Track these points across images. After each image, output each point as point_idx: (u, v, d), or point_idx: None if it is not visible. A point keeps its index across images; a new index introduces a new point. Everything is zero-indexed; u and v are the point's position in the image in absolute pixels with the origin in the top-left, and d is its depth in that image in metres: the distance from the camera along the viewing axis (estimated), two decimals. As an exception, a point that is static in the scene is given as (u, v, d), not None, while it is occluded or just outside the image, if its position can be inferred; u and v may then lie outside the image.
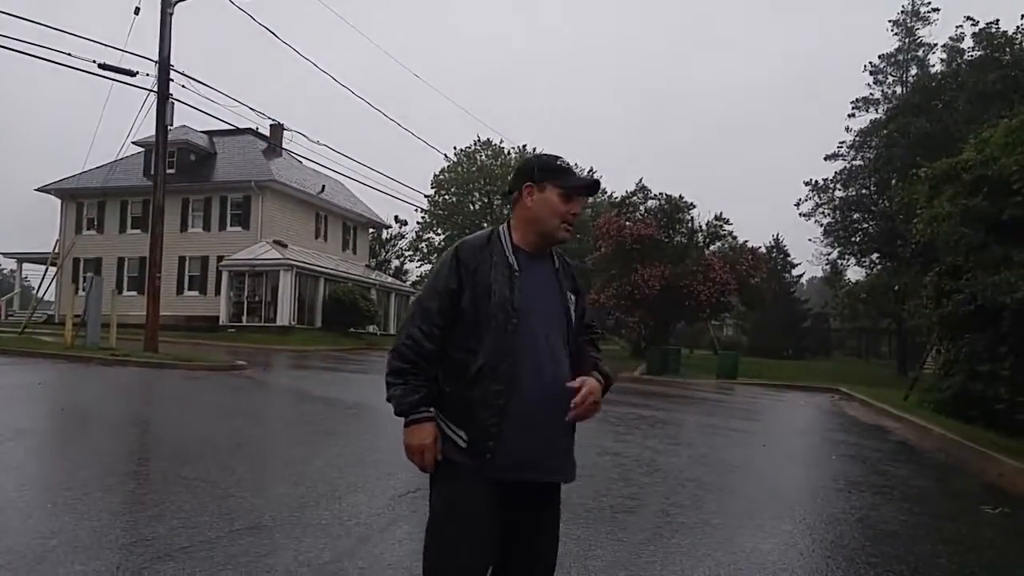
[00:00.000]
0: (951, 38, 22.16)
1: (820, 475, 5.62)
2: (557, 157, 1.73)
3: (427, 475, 1.65)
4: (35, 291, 23.09)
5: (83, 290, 15.91)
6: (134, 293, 22.21)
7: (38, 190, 25.93)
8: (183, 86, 13.39)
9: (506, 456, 1.55)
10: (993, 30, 20.75)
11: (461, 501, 1.57)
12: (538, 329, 1.61)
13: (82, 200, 25.53)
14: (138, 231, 23.67)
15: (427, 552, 1.62)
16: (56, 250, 21.91)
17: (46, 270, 18.67)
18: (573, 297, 1.72)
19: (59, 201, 25.89)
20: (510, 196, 1.73)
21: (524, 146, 41.94)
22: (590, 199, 46.10)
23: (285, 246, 23.36)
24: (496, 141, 39.99)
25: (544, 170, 1.69)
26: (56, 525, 3.05)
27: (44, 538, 2.88)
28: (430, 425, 1.58)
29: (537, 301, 1.63)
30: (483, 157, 39.95)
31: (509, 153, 40.86)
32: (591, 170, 44.26)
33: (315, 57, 32.34)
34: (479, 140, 40.16)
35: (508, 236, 1.69)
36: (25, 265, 28.83)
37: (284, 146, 24.60)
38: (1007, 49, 20.09)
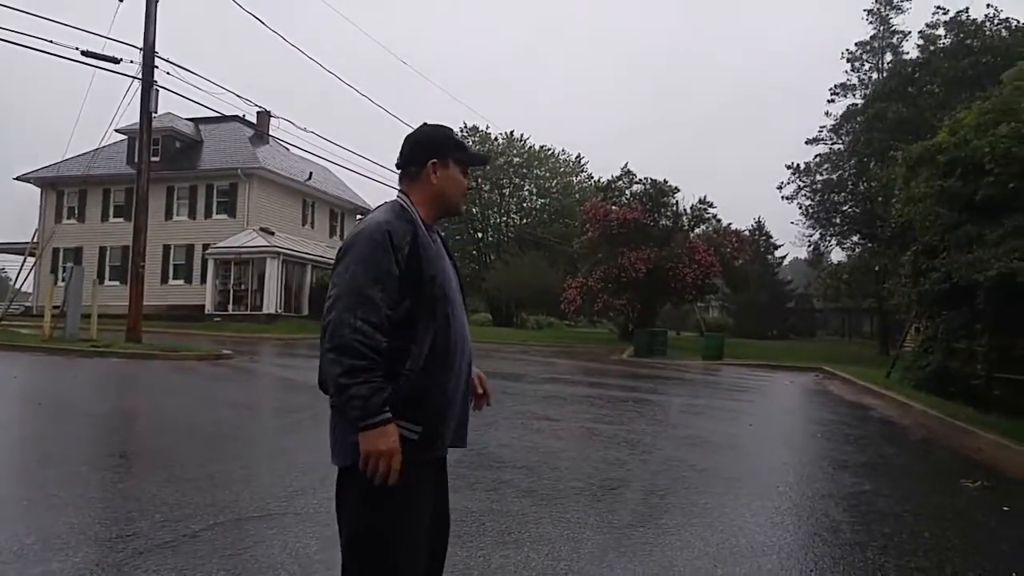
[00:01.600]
0: (928, 24, 22.42)
1: (805, 453, 5.71)
2: (451, 130, 1.70)
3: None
4: (12, 282, 22.50)
5: (63, 280, 15.54)
6: (116, 282, 21.80)
7: (17, 179, 25.19)
8: (168, 73, 12.99)
9: (449, 435, 1.58)
10: (963, 18, 21.02)
11: (408, 491, 1.49)
12: (458, 306, 1.63)
13: (63, 189, 24.86)
14: (120, 219, 23.14)
15: (370, 552, 1.47)
16: (35, 240, 21.36)
17: (24, 260, 18.20)
18: (453, 265, 1.73)
19: (39, 190, 25.19)
20: (408, 171, 1.66)
21: (511, 132, 41.67)
22: (575, 183, 45.89)
23: (272, 233, 23.01)
24: (483, 127, 39.65)
25: (445, 146, 1.66)
26: (34, 522, 2.98)
27: (20, 535, 2.81)
28: (394, 427, 1.46)
29: (450, 279, 1.63)
30: (470, 144, 39.72)
31: (496, 139, 40.52)
32: (579, 157, 44.25)
33: (304, 42, 31.49)
34: (466, 127, 39.80)
35: (416, 211, 1.61)
36: (2, 256, 28.09)
37: (271, 133, 24.08)
38: (976, 36, 20.36)
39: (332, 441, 1.56)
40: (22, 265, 17.95)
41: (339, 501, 1.58)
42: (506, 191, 41.71)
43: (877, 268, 21.78)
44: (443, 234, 1.74)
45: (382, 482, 1.44)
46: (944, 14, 21.49)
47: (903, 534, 3.34)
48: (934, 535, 3.35)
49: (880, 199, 21.16)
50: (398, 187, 1.70)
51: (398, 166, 1.69)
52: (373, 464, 1.43)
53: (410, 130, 1.74)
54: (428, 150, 1.64)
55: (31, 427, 5.61)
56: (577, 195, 39.40)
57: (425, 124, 1.73)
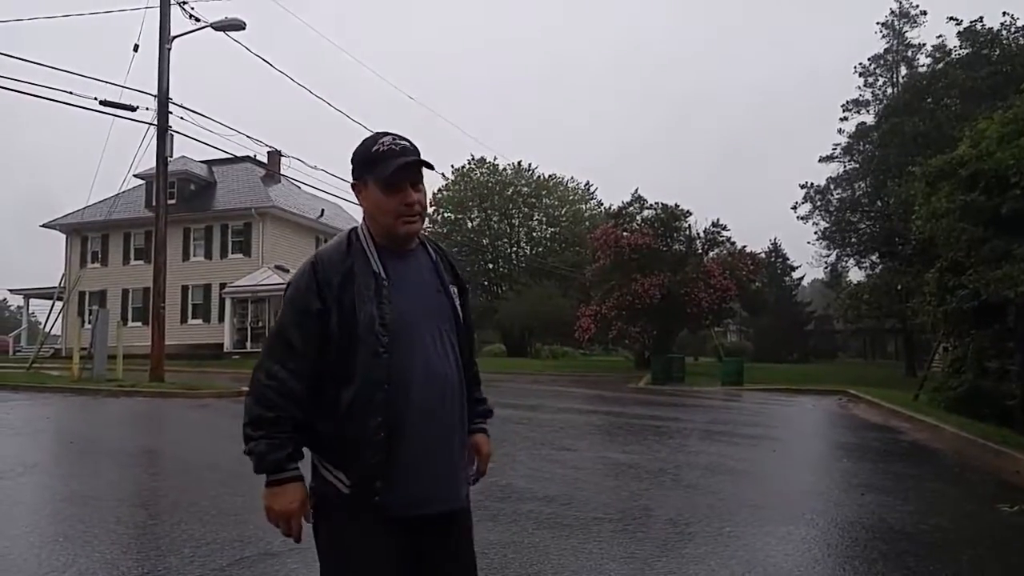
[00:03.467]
0: (935, 45, 22.48)
1: (831, 478, 5.57)
2: (376, 139, 1.43)
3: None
4: (42, 326, 23.16)
5: (89, 323, 15.99)
6: (139, 324, 22.28)
7: (43, 226, 26.22)
8: (181, 118, 13.56)
9: (398, 493, 1.33)
10: (978, 28, 21.03)
11: (355, 553, 1.34)
12: (418, 341, 1.38)
13: (86, 234, 25.79)
14: (141, 262, 23.84)
15: None
16: (62, 284, 22.05)
17: (52, 304, 18.79)
18: (456, 291, 1.49)
19: (64, 236, 26.16)
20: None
21: (519, 162, 42.41)
22: (585, 210, 45.94)
23: (287, 271, 23.47)
24: (490, 158, 40.46)
25: (360, 165, 1.42)
26: (68, 558, 3.05)
27: (57, 571, 2.88)
28: (296, 486, 1.33)
29: (415, 307, 1.40)
30: (478, 175, 40.46)
31: (505, 170, 41.23)
32: (588, 184, 44.76)
33: (311, 78, 32.81)
34: (473, 158, 40.64)
35: (369, 237, 1.42)
36: (32, 300, 28.99)
37: (282, 172, 24.87)
38: (993, 45, 20.32)
39: None
40: (51, 309, 18.55)
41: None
42: (515, 221, 42.14)
43: (899, 287, 21.40)
44: (438, 250, 1.53)
45: (315, 530, 1.37)
46: (957, 24, 21.32)
47: (938, 562, 3.24)
48: (972, 562, 3.25)
49: (896, 217, 20.96)
50: None
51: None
52: (273, 522, 1.36)
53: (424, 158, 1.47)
54: (355, 169, 1.44)
55: (64, 466, 5.74)
56: (587, 222, 39.64)
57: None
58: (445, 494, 1.41)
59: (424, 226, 1.50)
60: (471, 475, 1.54)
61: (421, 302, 1.42)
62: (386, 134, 1.44)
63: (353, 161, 1.45)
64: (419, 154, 1.43)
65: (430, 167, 1.45)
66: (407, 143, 1.44)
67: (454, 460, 1.43)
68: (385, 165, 1.39)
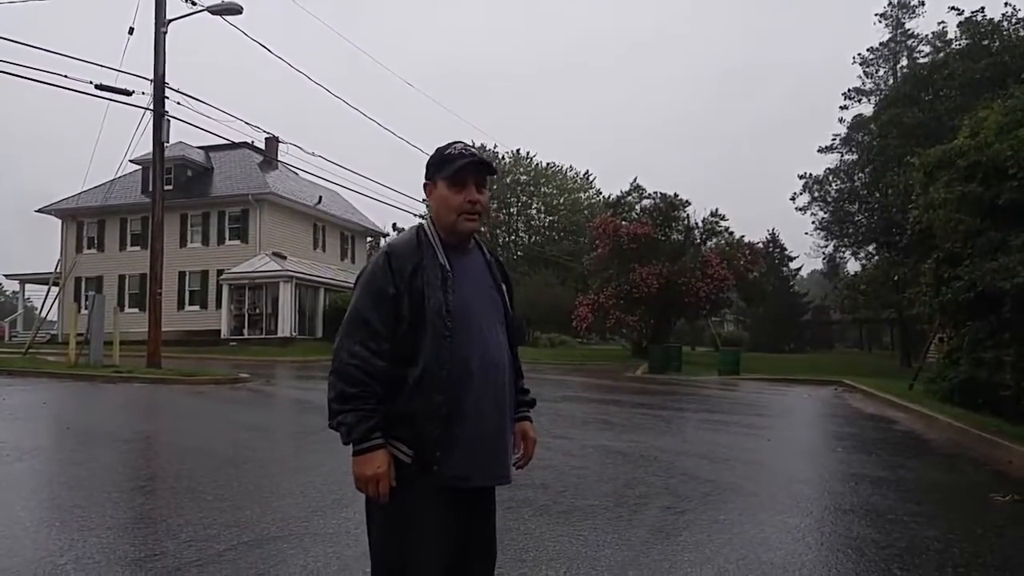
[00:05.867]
0: (935, 33, 22.32)
1: (826, 468, 5.62)
2: (449, 145, 1.65)
3: None
4: (38, 311, 23.10)
5: (85, 309, 15.94)
6: (136, 310, 22.24)
7: (39, 211, 26.02)
8: (178, 103, 13.38)
9: (453, 465, 1.49)
10: (978, 18, 20.88)
11: (411, 516, 1.48)
12: (476, 330, 1.54)
13: (82, 219, 25.61)
14: (138, 248, 23.73)
15: (377, 571, 1.53)
16: (58, 270, 21.95)
17: (48, 290, 18.71)
18: (505, 289, 1.69)
19: (59, 221, 25.98)
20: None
21: (518, 150, 42.18)
22: (584, 199, 45.95)
23: (284, 257, 23.40)
24: (490, 146, 40.17)
25: (433, 165, 1.64)
26: (65, 542, 3.06)
27: (54, 556, 2.89)
28: (383, 453, 1.47)
29: (474, 299, 1.57)
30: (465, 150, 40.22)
31: (503, 158, 40.98)
32: (587, 173, 44.51)
33: (312, 65, 32.48)
34: (472, 145, 40.37)
35: (436, 234, 1.61)
36: (28, 286, 28.87)
37: (279, 158, 24.68)
38: (994, 36, 20.17)
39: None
40: (47, 295, 18.45)
41: (367, 528, 1.61)
42: (513, 210, 42.02)
43: (896, 277, 21.46)
44: (490, 253, 1.72)
45: (379, 503, 1.48)
46: (958, 15, 21.21)
47: (930, 550, 3.27)
48: (963, 551, 3.28)
49: (894, 208, 20.95)
50: None
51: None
52: (361, 487, 1.48)
53: (421, 152, 1.81)
54: (427, 172, 1.66)
55: (61, 451, 5.75)
56: (586, 211, 39.55)
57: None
58: (496, 469, 1.57)
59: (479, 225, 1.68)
60: (517, 460, 1.70)
61: (478, 295, 1.59)
62: (457, 142, 1.65)
63: (427, 165, 1.66)
64: (485, 160, 1.65)
65: (493, 172, 1.69)
66: (475, 150, 1.66)
67: (504, 438, 1.60)
68: (452, 164, 1.60)
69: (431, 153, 1.68)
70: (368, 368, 1.46)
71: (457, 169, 1.58)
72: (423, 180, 1.67)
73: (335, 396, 1.48)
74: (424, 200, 1.93)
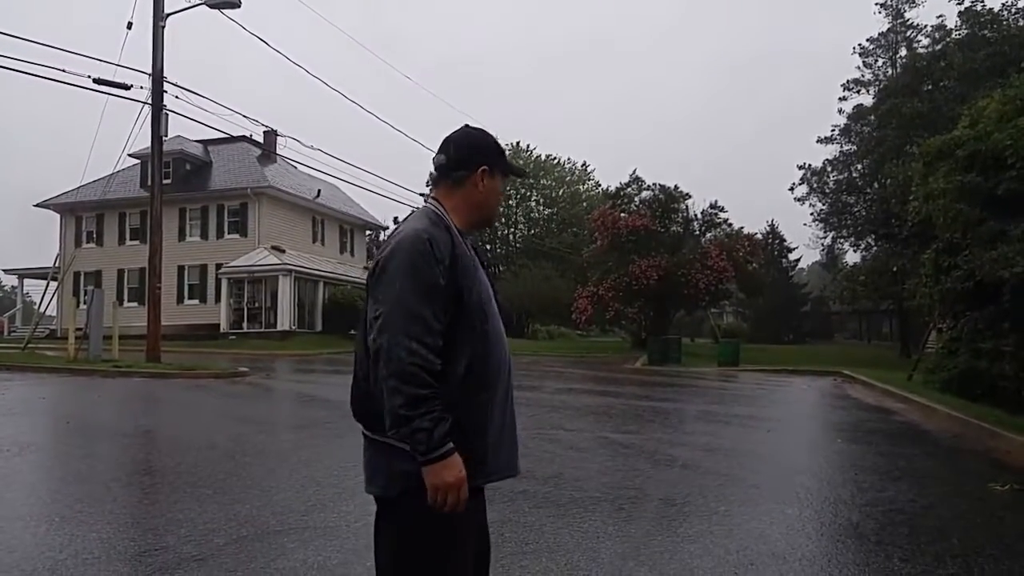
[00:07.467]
0: (935, 24, 22.20)
1: (826, 459, 5.63)
2: (491, 135, 1.58)
3: None
4: (37, 306, 23.05)
5: (84, 303, 15.91)
6: (135, 304, 22.21)
7: (37, 206, 25.92)
8: (176, 97, 13.30)
9: (495, 460, 1.44)
10: (978, 8, 20.77)
11: (457, 528, 1.39)
12: (495, 320, 1.49)
13: (81, 214, 25.52)
14: (136, 242, 23.66)
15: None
16: (56, 264, 21.87)
17: (47, 285, 18.66)
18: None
19: (58, 216, 25.89)
20: (453, 175, 1.51)
21: (517, 143, 41.96)
22: (583, 191, 45.91)
23: (283, 251, 23.34)
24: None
25: (495, 153, 1.54)
26: (65, 538, 3.06)
27: (53, 551, 2.88)
28: (459, 456, 1.35)
29: (488, 291, 1.50)
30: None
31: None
32: (585, 165, 44.40)
33: (310, 59, 32.26)
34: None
35: (453, 222, 1.48)
36: (26, 281, 28.81)
37: (278, 152, 24.55)
38: (993, 26, 20.07)
39: (369, 468, 1.44)
40: (45, 289, 18.40)
41: (378, 530, 1.45)
42: (512, 202, 41.89)
43: (895, 268, 21.45)
44: (477, 244, 1.61)
45: (447, 512, 1.35)
46: (959, 5, 21.12)
47: (930, 540, 3.28)
48: (962, 540, 3.28)
49: (893, 199, 20.91)
50: (430, 191, 1.58)
51: (441, 168, 1.53)
52: (442, 497, 1.33)
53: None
54: (480, 156, 1.52)
55: (61, 446, 5.75)
56: (585, 203, 39.43)
57: (468, 126, 1.59)
58: (515, 461, 1.53)
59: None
60: None
61: (488, 287, 1.52)
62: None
63: (484, 148, 1.55)
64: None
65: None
66: None
67: (516, 430, 1.55)
68: (506, 159, 1.57)
69: (481, 135, 1.56)
70: (429, 367, 1.33)
71: (513, 167, 1.56)
72: (477, 162, 1.50)
73: (404, 402, 1.30)
74: (452, 184, 1.47)
